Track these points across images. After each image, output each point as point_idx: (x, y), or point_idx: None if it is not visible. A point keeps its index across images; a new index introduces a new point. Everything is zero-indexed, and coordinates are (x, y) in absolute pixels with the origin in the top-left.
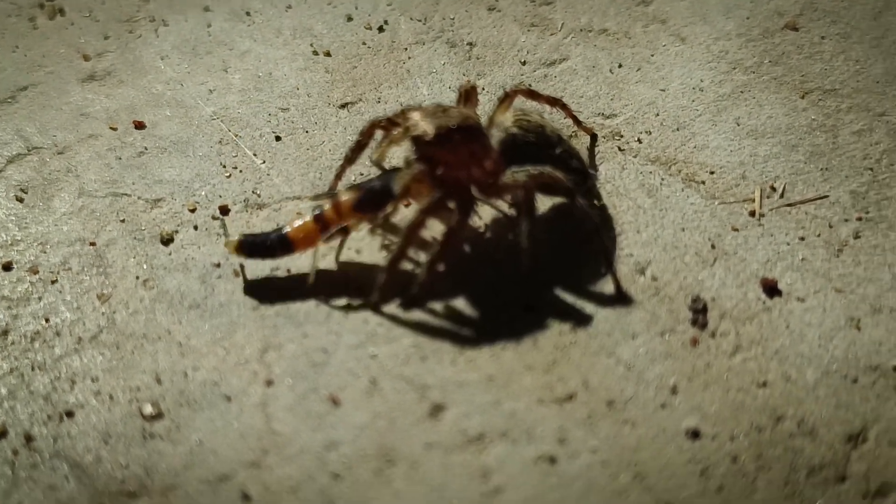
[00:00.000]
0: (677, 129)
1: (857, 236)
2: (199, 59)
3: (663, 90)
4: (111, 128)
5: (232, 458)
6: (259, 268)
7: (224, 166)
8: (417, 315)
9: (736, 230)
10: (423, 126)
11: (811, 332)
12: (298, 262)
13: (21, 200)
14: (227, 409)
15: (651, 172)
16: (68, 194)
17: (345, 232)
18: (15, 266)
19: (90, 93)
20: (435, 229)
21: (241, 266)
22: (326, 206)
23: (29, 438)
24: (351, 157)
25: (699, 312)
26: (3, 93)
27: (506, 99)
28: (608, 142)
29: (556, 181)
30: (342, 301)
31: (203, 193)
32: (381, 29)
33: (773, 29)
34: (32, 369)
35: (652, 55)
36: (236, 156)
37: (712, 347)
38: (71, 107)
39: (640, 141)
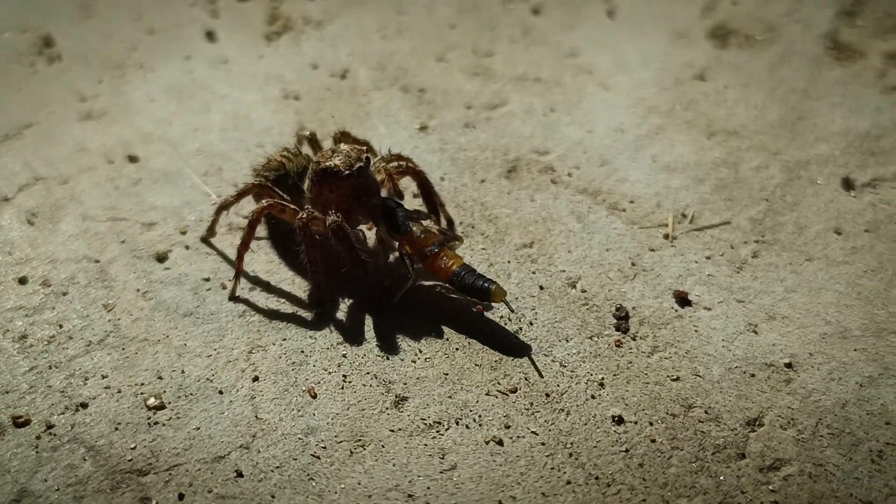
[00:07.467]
0: (602, 165)
1: (755, 256)
2: (184, 101)
3: (590, 131)
4: (108, 161)
5: (225, 442)
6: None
7: (209, 195)
8: (382, 321)
9: (652, 250)
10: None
11: (716, 336)
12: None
13: (32, 223)
14: (220, 400)
15: (580, 201)
16: (73, 218)
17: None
18: (29, 280)
19: (88, 130)
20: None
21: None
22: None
23: (49, 426)
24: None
25: (622, 319)
26: (11, 129)
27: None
28: (542, 175)
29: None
30: (315, 312)
31: (192, 218)
32: (343, 76)
33: (683, 79)
34: (49, 368)
35: (580, 101)
36: (220, 186)
37: (633, 348)
38: (71, 142)
39: (570, 175)
